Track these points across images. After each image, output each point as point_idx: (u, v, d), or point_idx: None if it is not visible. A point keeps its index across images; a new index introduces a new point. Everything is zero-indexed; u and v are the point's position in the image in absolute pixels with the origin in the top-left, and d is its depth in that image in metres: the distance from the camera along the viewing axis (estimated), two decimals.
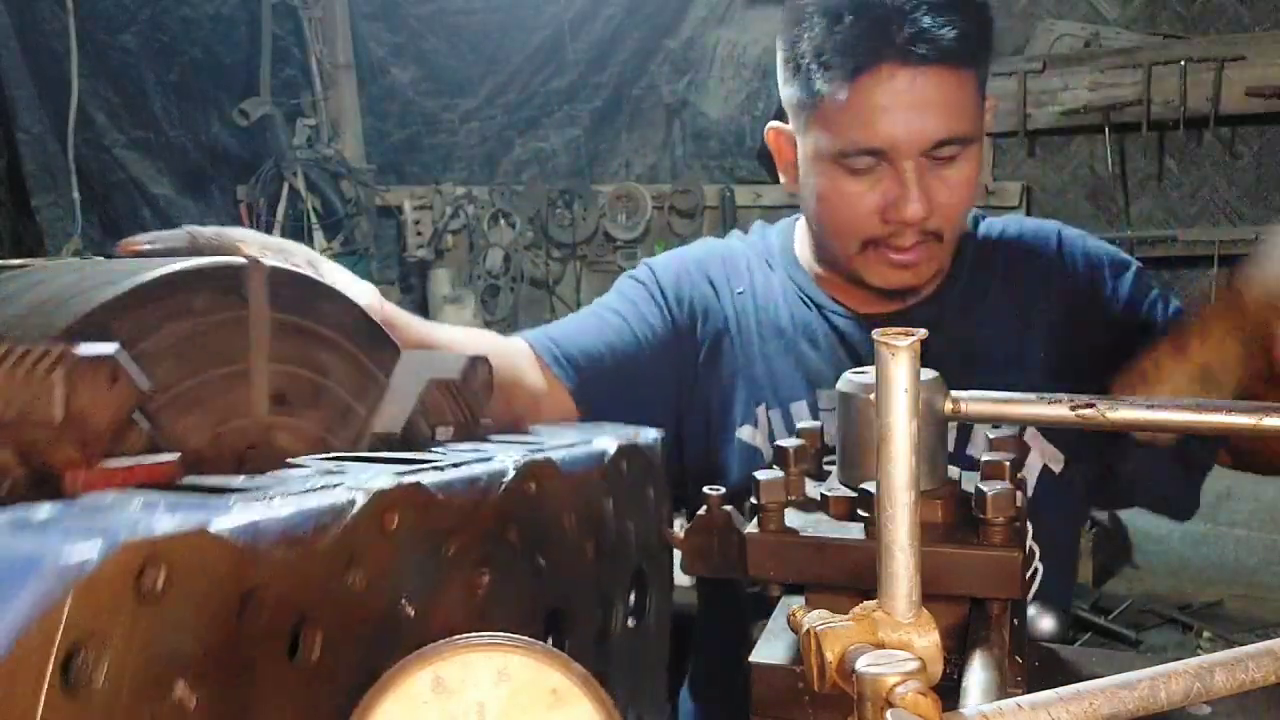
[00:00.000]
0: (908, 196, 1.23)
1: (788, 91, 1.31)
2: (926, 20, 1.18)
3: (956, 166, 1.25)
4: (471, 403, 0.81)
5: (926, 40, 1.18)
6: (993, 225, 1.48)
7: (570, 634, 0.76)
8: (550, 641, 0.74)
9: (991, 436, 0.85)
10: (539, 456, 0.70)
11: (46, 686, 0.37)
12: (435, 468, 0.62)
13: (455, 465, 0.64)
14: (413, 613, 0.57)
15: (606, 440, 0.81)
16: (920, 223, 1.25)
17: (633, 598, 0.86)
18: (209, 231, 0.80)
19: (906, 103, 1.20)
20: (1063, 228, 1.46)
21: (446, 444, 0.76)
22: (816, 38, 1.23)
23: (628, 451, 0.84)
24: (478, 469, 0.64)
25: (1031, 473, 1.34)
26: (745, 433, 1.37)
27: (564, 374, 1.36)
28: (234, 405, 0.67)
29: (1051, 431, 1.36)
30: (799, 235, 1.47)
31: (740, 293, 1.45)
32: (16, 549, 0.38)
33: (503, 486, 0.65)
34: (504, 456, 0.68)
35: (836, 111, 1.23)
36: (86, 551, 0.38)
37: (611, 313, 1.44)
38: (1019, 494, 0.74)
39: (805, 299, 1.41)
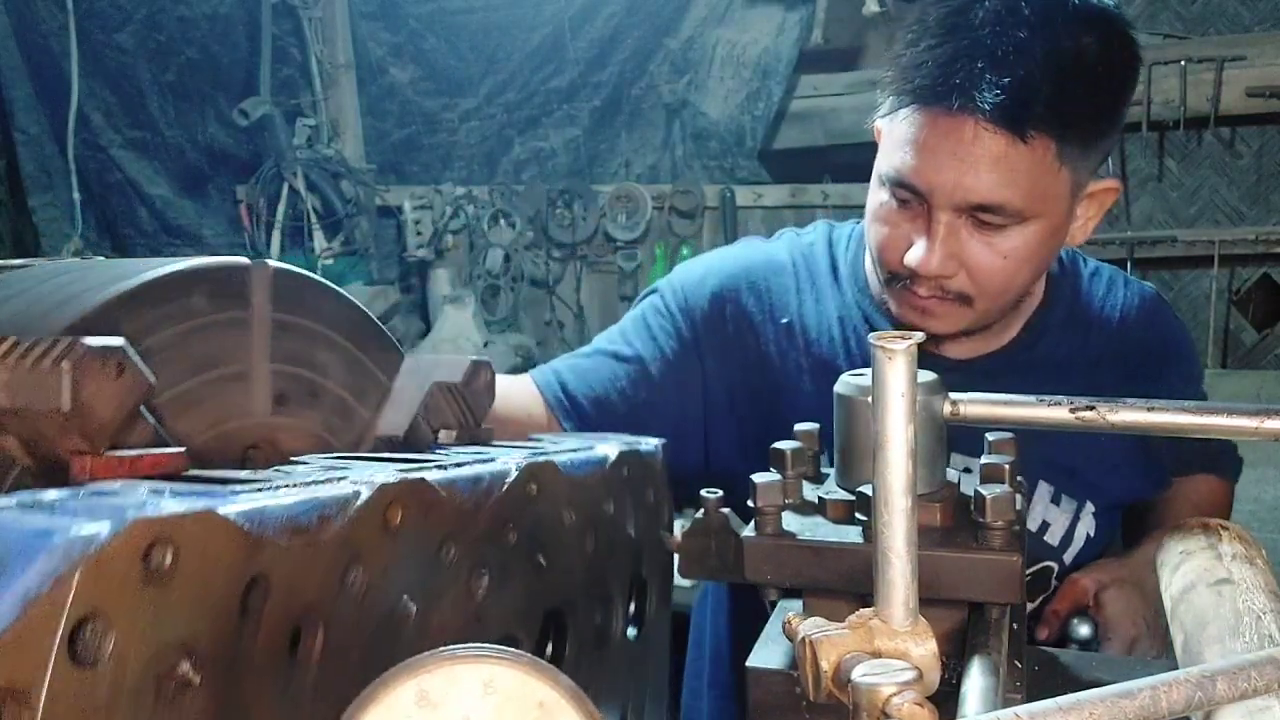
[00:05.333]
0: (924, 246, 1.14)
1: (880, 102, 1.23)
2: (988, 74, 1.07)
3: (1006, 237, 1.14)
4: (474, 405, 0.81)
5: (975, 93, 1.07)
6: (1095, 276, 1.40)
7: (569, 635, 0.76)
8: (550, 642, 0.75)
9: (991, 439, 0.84)
10: (541, 459, 0.71)
11: (54, 658, 0.38)
12: (439, 466, 0.62)
13: (458, 465, 0.64)
14: (414, 611, 0.57)
15: (608, 446, 0.82)
16: (934, 277, 1.16)
17: (633, 607, 0.86)
18: None
19: (950, 149, 1.10)
20: (1164, 302, 1.43)
21: (449, 446, 0.77)
22: (901, 52, 1.15)
23: (629, 457, 0.84)
24: (481, 469, 0.65)
25: (1078, 543, 1.34)
26: None
27: (571, 426, 1.30)
28: (234, 405, 0.67)
29: (1100, 508, 1.35)
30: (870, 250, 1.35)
31: (785, 322, 1.33)
32: (27, 525, 0.39)
33: (505, 486, 0.66)
34: (506, 458, 0.69)
35: (894, 130, 1.16)
36: (96, 528, 0.39)
37: (628, 348, 1.34)
38: (1018, 497, 0.74)
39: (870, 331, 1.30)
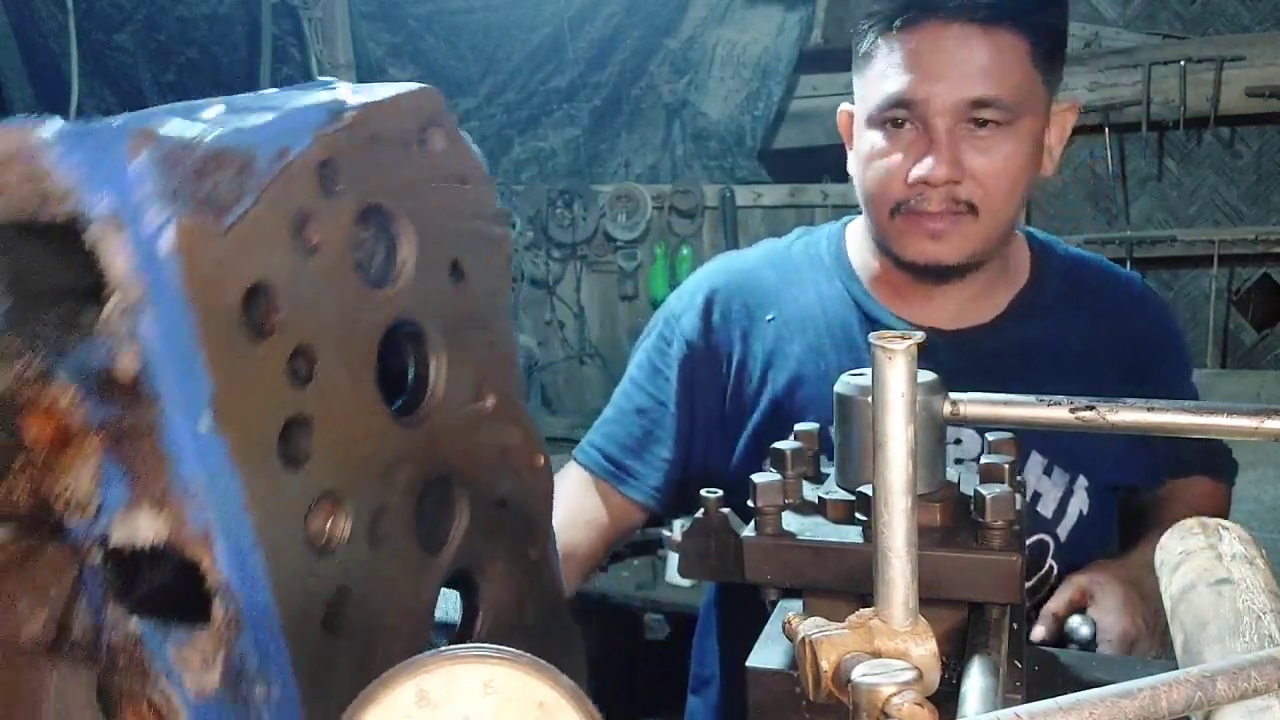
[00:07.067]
0: (931, 155, 1.23)
1: (855, 66, 1.33)
2: None
3: (999, 139, 1.24)
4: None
5: None
6: (1080, 261, 1.46)
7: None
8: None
9: (990, 439, 0.84)
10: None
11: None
12: None
13: None
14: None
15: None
16: (943, 184, 1.24)
17: None
18: None
19: (939, 57, 1.21)
20: (1152, 290, 1.50)
21: None
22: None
23: None
24: None
25: (1071, 518, 1.36)
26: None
27: (645, 497, 1.39)
28: None
29: (1094, 485, 1.37)
30: (852, 239, 1.44)
31: (770, 319, 1.41)
32: None
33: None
34: None
35: (876, 65, 1.25)
36: None
37: (647, 398, 1.43)
38: (1018, 497, 0.74)
39: (863, 313, 1.37)
